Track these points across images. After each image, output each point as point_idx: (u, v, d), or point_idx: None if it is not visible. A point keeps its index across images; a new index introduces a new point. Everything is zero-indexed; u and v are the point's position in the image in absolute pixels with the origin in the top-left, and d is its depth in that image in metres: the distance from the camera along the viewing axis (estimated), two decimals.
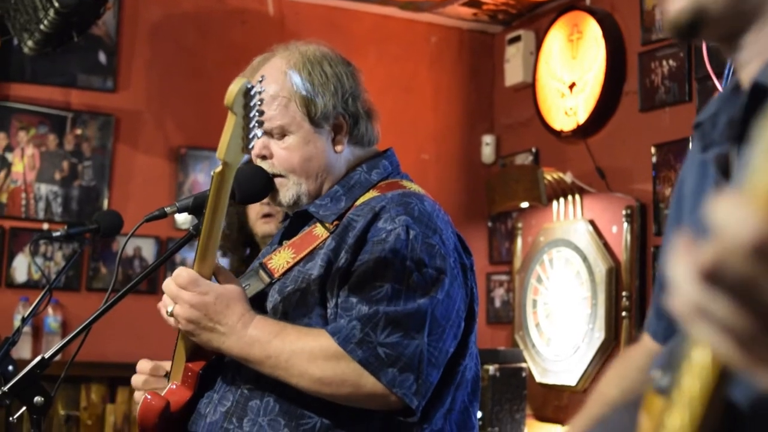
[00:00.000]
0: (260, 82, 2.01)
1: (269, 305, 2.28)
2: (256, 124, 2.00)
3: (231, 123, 1.96)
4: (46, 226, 5.65)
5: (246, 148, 2.00)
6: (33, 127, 5.71)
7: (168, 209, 2.32)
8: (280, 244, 2.44)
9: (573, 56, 5.91)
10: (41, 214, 5.68)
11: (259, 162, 2.38)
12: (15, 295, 5.51)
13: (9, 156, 5.65)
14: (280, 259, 2.33)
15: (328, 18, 6.33)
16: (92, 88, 5.87)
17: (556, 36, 6.07)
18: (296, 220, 2.43)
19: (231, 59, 6.02)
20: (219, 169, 2.01)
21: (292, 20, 6.30)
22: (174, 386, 2.27)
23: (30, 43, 4.99)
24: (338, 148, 2.40)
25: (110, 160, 5.85)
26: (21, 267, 5.62)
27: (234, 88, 1.94)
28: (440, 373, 2.19)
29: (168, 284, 2.18)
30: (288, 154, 2.34)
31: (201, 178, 5.98)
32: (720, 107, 1.35)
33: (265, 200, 3.39)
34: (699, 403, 0.92)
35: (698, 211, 1.37)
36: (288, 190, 2.37)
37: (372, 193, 2.35)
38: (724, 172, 1.29)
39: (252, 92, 1.96)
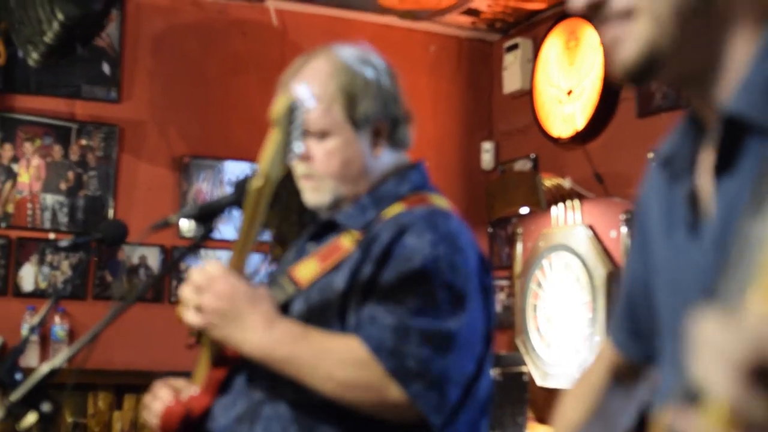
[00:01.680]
0: (306, 98, 2.01)
1: (293, 315, 2.24)
2: (298, 140, 1.99)
3: (275, 138, 1.95)
4: (52, 235, 5.72)
5: (286, 164, 2.00)
6: (38, 138, 5.77)
7: (173, 218, 2.31)
8: (304, 249, 2.42)
9: (570, 63, 5.96)
10: (47, 224, 5.75)
11: (298, 164, 2.34)
12: (22, 304, 5.56)
13: (15, 167, 5.71)
14: (306, 270, 2.29)
15: (328, 28, 6.37)
16: (96, 99, 5.93)
17: (554, 43, 6.12)
18: (322, 227, 2.41)
19: (232, 69, 6.11)
20: (260, 184, 2.01)
21: (293, 31, 6.36)
22: (195, 392, 2.26)
23: (35, 55, 5.04)
24: (377, 152, 2.36)
25: (115, 170, 5.91)
26: (28, 276, 5.68)
27: (281, 104, 1.94)
28: (460, 394, 2.17)
29: (198, 273, 2.15)
30: (328, 157, 2.31)
31: (205, 187, 6.03)
32: (682, 141, 1.35)
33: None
34: None
35: (669, 249, 1.38)
36: (325, 194, 2.34)
37: (399, 206, 2.31)
38: (694, 209, 1.29)
39: (297, 109, 1.96)
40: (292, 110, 1.96)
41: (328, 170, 2.32)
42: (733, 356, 0.76)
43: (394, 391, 2.07)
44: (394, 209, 2.31)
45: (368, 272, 2.17)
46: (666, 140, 1.40)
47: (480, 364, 2.27)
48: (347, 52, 2.39)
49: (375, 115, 2.34)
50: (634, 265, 1.60)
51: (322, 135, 2.31)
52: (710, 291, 1.05)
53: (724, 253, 1.18)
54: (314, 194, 2.37)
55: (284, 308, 2.25)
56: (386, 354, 2.08)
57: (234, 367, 2.27)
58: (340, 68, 2.33)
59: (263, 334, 2.12)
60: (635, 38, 1.23)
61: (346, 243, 2.28)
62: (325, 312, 2.20)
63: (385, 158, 2.39)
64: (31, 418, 2.05)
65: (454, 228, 2.25)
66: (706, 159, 1.29)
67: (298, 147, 2.01)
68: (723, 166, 1.22)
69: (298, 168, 2.36)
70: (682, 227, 1.33)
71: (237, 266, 2.15)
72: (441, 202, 2.38)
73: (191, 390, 2.28)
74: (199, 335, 3.09)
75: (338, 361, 2.09)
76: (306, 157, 2.32)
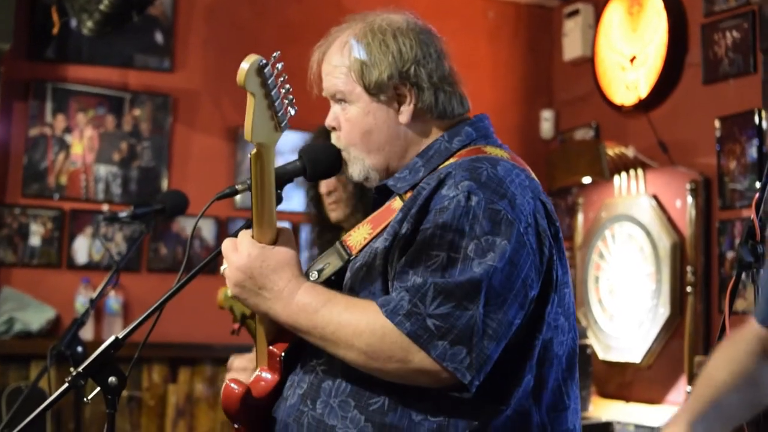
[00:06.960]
0: (274, 57, 1.97)
1: (345, 282, 2.22)
2: (286, 101, 1.97)
3: (250, 103, 1.94)
4: (105, 207, 5.68)
5: (280, 126, 1.98)
6: (91, 109, 5.72)
7: (239, 187, 2.23)
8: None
9: (633, 29, 5.83)
10: (101, 196, 5.70)
11: (334, 136, 2.35)
12: (76, 276, 5.55)
13: (68, 138, 5.67)
14: (358, 236, 2.27)
15: None
16: (149, 69, 5.88)
17: (616, 9, 5.99)
18: (380, 196, 2.37)
19: (287, 37, 6.00)
20: (254, 151, 1.99)
21: None
22: (260, 372, 2.24)
23: (89, 23, 4.99)
24: (402, 119, 2.30)
25: (168, 141, 5.87)
26: (81, 248, 5.64)
27: (244, 66, 1.91)
28: (501, 346, 2.04)
29: (225, 244, 2.16)
30: (350, 126, 2.30)
31: None
32: None
33: (330, 188, 3.48)
34: None
35: None
36: (354, 166, 2.33)
37: (450, 162, 2.25)
38: None
39: (266, 69, 1.92)
40: (259, 72, 1.92)
41: (351, 139, 2.32)
42: None
43: (418, 356, 1.99)
44: (444, 166, 2.26)
45: (406, 230, 2.12)
46: None
47: (539, 316, 2.14)
48: (373, 20, 2.35)
49: (390, 82, 2.28)
50: None
51: (343, 101, 2.32)
52: None
53: None
54: (349, 167, 2.35)
55: (340, 276, 2.23)
56: (403, 317, 2.01)
57: (301, 340, 2.19)
58: (359, 35, 2.31)
59: (284, 304, 2.11)
60: None
61: (397, 206, 2.25)
62: (368, 274, 2.17)
63: (422, 126, 2.33)
64: (96, 390, 2.02)
65: (501, 172, 2.15)
66: None
67: (288, 107, 2.00)
68: None
69: (335, 141, 2.36)
70: None
71: (260, 224, 2.12)
72: (497, 152, 2.28)
73: (257, 370, 2.26)
74: (242, 319, 3.05)
75: (356, 331, 2.04)
76: (336, 127, 2.34)
